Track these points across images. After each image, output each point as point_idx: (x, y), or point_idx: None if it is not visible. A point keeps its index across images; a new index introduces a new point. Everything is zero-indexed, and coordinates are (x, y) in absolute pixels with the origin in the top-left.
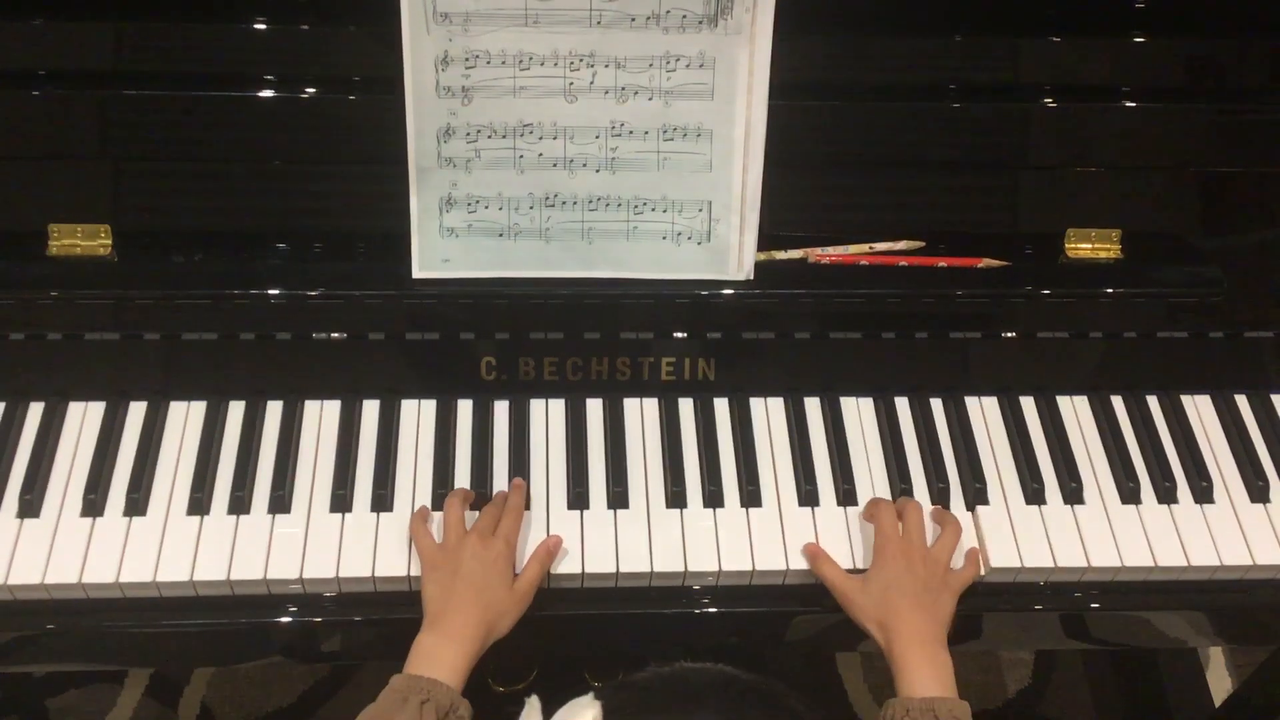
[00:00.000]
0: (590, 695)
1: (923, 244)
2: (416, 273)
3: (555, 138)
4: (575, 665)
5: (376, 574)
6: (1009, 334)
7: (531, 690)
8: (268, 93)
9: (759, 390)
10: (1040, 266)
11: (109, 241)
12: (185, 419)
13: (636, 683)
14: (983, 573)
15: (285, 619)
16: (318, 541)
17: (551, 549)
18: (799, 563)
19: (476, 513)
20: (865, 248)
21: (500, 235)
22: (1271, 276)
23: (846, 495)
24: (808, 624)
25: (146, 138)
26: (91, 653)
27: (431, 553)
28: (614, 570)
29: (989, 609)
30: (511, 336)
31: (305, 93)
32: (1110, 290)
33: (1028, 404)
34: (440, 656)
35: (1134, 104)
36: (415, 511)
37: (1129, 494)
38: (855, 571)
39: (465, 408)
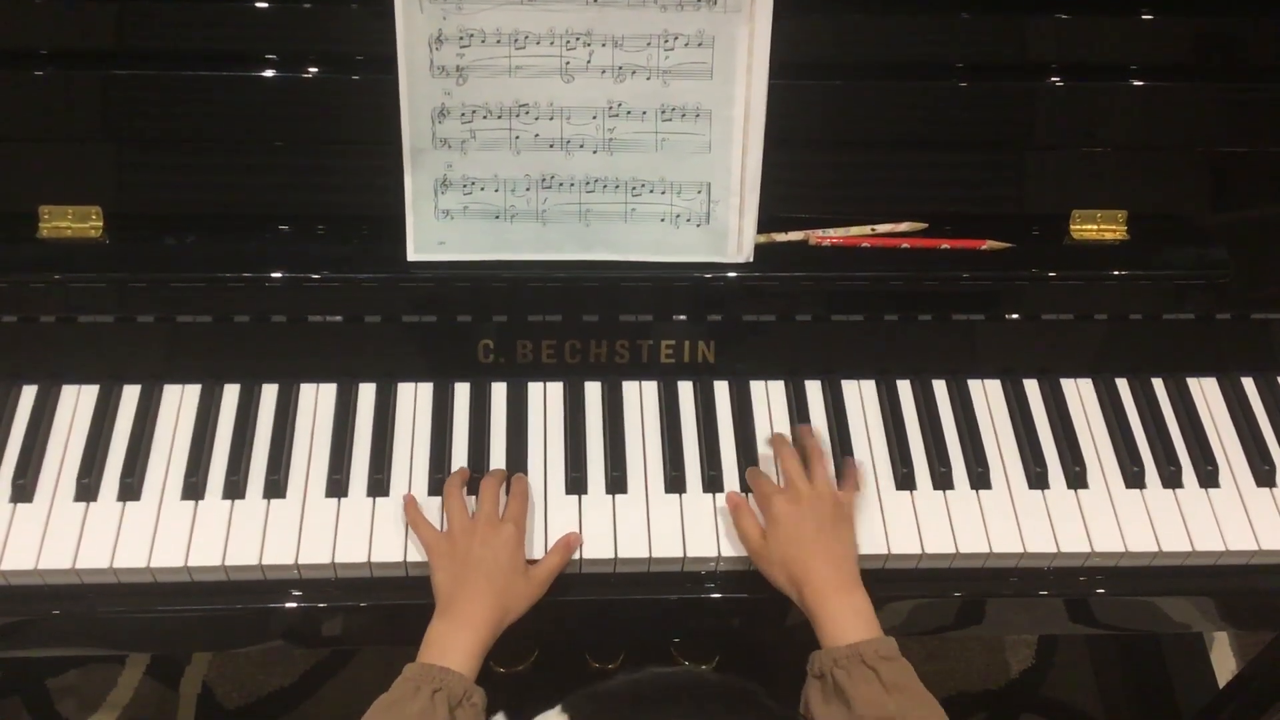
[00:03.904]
0: (559, 708)
1: (925, 225)
2: (412, 255)
3: (551, 118)
4: (576, 648)
5: (373, 559)
6: (1013, 316)
7: (532, 672)
8: (267, 72)
9: (759, 373)
10: (1044, 248)
11: (100, 224)
12: (179, 403)
13: (605, 691)
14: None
15: (282, 604)
16: (313, 527)
17: (571, 544)
18: None
19: (472, 497)
20: (867, 229)
21: (496, 217)
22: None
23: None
24: None
25: (138, 118)
26: (87, 638)
27: (437, 541)
28: (612, 556)
29: (993, 594)
30: (509, 319)
31: (308, 72)
32: (1115, 272)
33: (1031, 387)
34: (452, 644)
35: (1141, 83)
36: (406, 501)
37: (1133, 478)
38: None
39: (463, 391)
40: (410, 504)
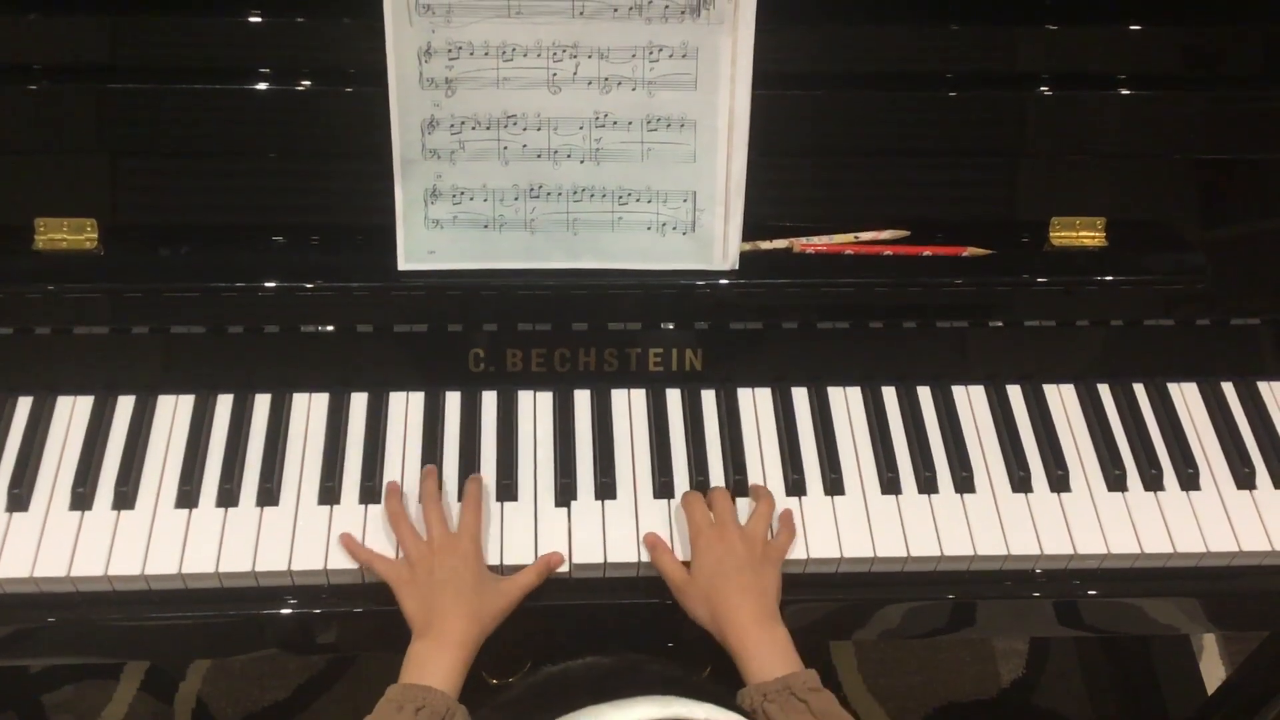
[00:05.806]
0: None
1: (908, 233)
2: (402, 264)
3: (539, 129)
4: (568, 656)
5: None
6: (995, 323)
7: (524, 682)
8: (260, 85)
9: (746, 381)
10: (1025, 255)
11: (95, 235)
12: (173, 412)
13: (509, 700)
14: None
15: (277, 611)
16: (306, 533)
17: (552, 564)
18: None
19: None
20: (850, 237)
21: (485, 227)
22: (1257, 263)
23: (834, 485)
24: (799, 612)
25: (133, 131)
26: (83, 646)
27: (397, 572)
28: (601, 561)
29: (981, 597)
30: (499, 328)
31: (301, 85)
32: (1095, 278)
33: (1014, 393)
34: (433, 663)
35: (1120, 92)
36: (344, 539)
37: (1115, 481)
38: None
39: (453, 400)
40: (351, 542)
